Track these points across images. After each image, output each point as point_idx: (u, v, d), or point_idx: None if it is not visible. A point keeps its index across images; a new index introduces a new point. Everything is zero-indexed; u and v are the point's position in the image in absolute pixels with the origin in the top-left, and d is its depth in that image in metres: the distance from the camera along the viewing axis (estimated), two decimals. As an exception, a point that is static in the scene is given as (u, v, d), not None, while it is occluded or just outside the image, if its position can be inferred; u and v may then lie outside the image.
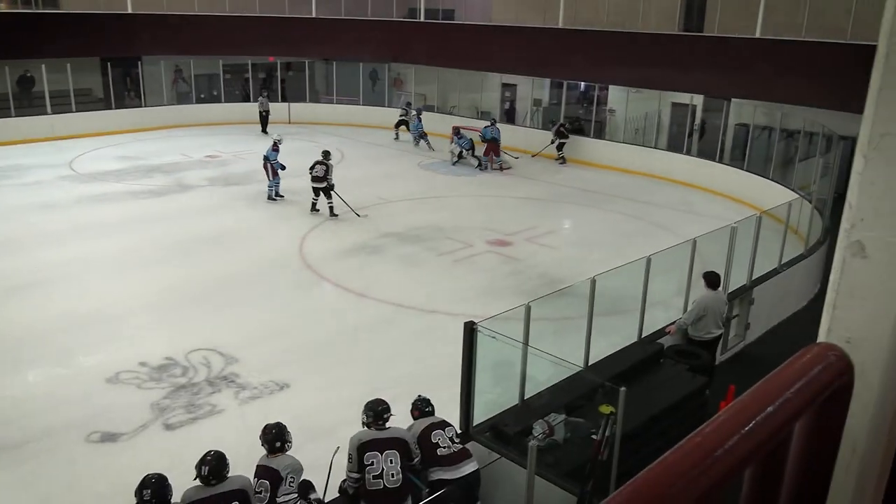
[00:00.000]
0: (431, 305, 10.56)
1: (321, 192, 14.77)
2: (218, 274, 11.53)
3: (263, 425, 5.43)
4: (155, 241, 12.94)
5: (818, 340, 1.35)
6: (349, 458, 5.47)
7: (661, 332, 8.42)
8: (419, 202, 16.20)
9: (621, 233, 14.46)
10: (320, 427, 7.35)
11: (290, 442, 5.39)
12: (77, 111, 22.16)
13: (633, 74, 19.86)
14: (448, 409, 6.85)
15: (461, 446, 5.80)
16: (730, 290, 9.25)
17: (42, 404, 7.77)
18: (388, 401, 5.80)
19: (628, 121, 21.17)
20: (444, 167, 19.66)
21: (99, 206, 15.01)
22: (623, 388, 5.72)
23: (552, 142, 20.42)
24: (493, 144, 19.45)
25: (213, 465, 4.82)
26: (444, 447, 5.71)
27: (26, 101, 22.30)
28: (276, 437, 5.31)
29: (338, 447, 5.76)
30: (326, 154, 15.19)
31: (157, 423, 7.48)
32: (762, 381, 1.10)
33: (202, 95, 25.77)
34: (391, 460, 5.42)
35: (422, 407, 6.07)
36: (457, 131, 20.11)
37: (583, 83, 23.52)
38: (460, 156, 19.82)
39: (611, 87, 22.02)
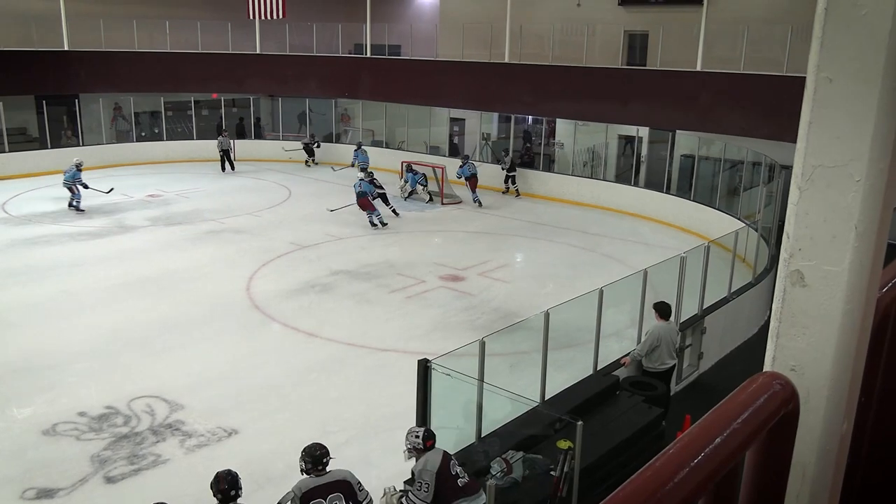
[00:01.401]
0: (384, 343, 10.50)
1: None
2: (162, 317, 11.27)
3: (215, 473, 5.29)
4: (94, 283, 12.61)
5: (764, 369, 1.39)
6: None
7: (617, 364, 8.52)
8: (370, 238, 16.17)
9: (573, 265, 14.66)
10: (271, 473, 7.20)
11: (241, 489, 5.27)
12: (10, 151, 21.60)
13: (579, 108, 20.34)
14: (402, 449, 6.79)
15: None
16: (682, 320, 9.42)
17: (-28, 461, 7.43)
18: (341, 443, 5.75)
19: (576, 153, 21.60)
20: (394, 203, 19.70)
21: (34, 250, 14.59)
22: (580, 422, 5.76)
23: (505, 176, 20.76)
24: (474, 180, 19.67)
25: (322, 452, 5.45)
26: (463, 477, 5.70)
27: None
28: (231, 486, 5.18)
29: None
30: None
31: (98, 476, 7.21)
32: (710, 412, 1.14)
33: (143, 133, 25.42)
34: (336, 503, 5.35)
35: (434, 437, 5.85)
36: (409, 167, 20.24)
37: (530, 117, 23.97)
38: (412, 193, 19.94)
39: (558, 120, 22.49)
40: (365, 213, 16.81)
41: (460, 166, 19.93)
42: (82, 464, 7.38)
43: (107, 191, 18.33)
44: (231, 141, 23.70)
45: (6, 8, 22.62)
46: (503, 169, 20.79)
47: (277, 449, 7.71)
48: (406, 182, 20.08)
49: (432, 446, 5.75)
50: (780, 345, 1.40)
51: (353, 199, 16.89)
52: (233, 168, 23.25)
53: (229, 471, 5.29)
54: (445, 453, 5.76)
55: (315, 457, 5.48)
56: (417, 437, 5.76)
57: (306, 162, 24.55)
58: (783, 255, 1.40)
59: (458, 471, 5.70)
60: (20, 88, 22.44)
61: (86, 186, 17.73)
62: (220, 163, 23.22)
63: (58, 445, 7.73)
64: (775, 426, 1.19)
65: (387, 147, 25.09)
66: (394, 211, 17.78)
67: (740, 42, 17.55)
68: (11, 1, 22.95)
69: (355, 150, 22.97)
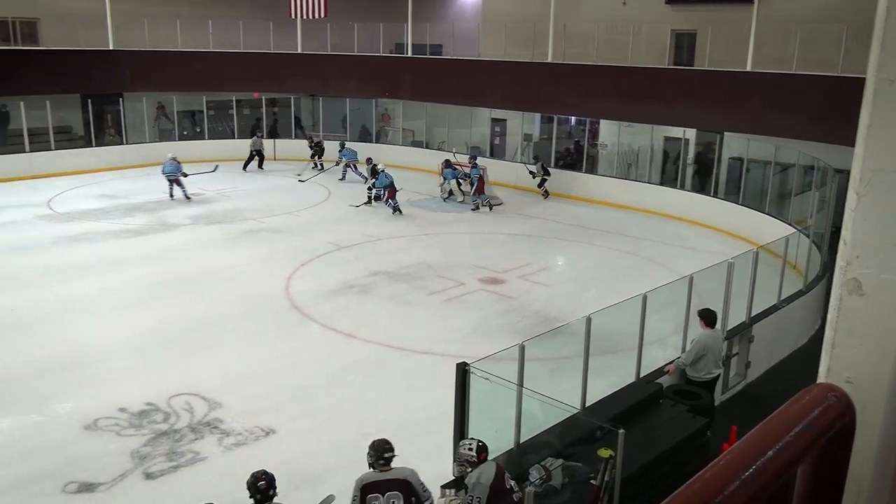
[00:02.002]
0: (422, 346, 10.53)
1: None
2: (201, 315, 11.46)
3: (251, 473, 5.37)
4: (136, 281, 12.88)
5: (818, 381, 1.37)
6: (353, 500, 5.45)
7: (660, 372, 8.42)
8: (409, 240, 16.24)
9: (615, 269, 14.53)
10: (308, 474, 7.27)
11: (276, 489, 5.34)
12: (56, 149, 22.20)
13: (624, 109, 20.15)
14: (440, 454, 6.82)
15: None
16: (729, 328, 9.28)
17: (15, 453, 7.65)
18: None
19: (620, 155, 21.41)
20: (433, 204, 19.77)
21: (77, 247, 14.96)
22: (622, 431, 5.70)
23: (533, 176, 20.54)
24: (480, 183, 19.44)
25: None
26: (517, 492, 5.65)
27: (3, 138, 22.35)
28: (268, 486, 5.26)
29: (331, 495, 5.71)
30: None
31: (137, 472, 7.37)
32: (761, 424, 1.12)
33: (185, 132, 25.91)
34: (394, 502, 5.41)
35: (487, 450, 5.78)
36: (447, 164, 20.16)
37: (573, 118, 23.82)
38: (451, 193, 19.89)
39: (602, 121, 22.31)
40: (391, 202, 18.15)
41: (472, 167, 19.43)
42: (122, 459, 7.55)
43: (211, 170, 20.15)
44: (263, 142, 24.10)
45: (53, 8, 23.28)
46: (533, 178, 20.53)
47: (314, 450, 7.79)
48: (445, 180, 20.00)
49: (485, 459, 5.66)
50: (835, 355, 1.38)
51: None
52: (260, 166, 23.70)
53: (265, 471, 5.37)
54: (499, 466, 5.67)
55: (377, 450, 5.58)
56: (471, 449, 5.66)
57: (315, 165, 23.96)
58: (839, 262, 1.37)
59: (512, 484, 5.61)
60: (66, 87, 23.07)
61: (185, 175, 19.25)
62: (244, 161, 23.56)
63: (99, 440, 7.91)
64: (830, 440, 1.17)
65: (427, 147, 25.17)
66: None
67: (792, 41, 17.21)
68: (58, 1, 23.63)
69: (340, 150, 22.63)
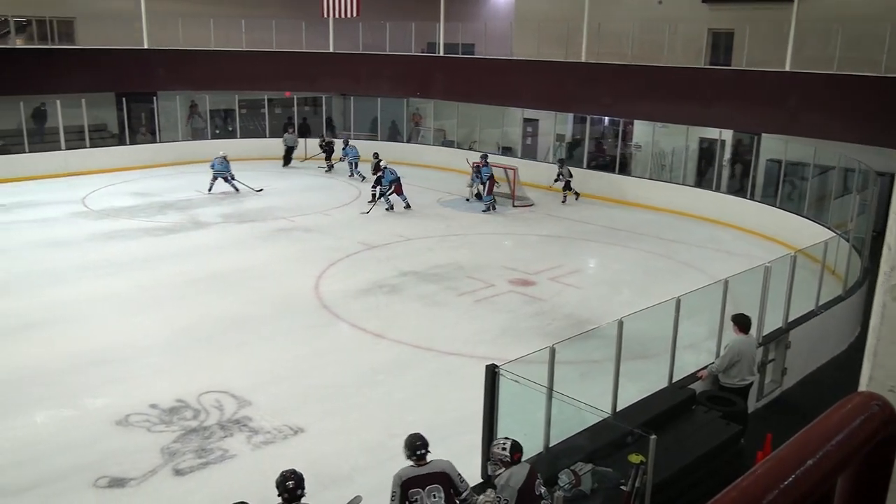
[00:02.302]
0: (451, 347, 10.54)
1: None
2: (231, 313, 11.60)
3: (280, 472, 5.41)
4: (167, 279, 13.07)
5: (860, 389, 1.34)
6: (392, 496, 5.49)
7: (693, 377, 8.33)
8: (439, 240, 16.26)
9: (648, 272, 14.40)
10: (336, 474, 7.32)
11: (304, 489, 5.38)
12: (91, 147, 22.62)
13: (659, 109, 19.96)
14: (469, 456, 6.82)
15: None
16: (765, 333, 9.15)
17: (49, 447, 7.80)
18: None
19: (654, 156, 21.22)
20: (464, 204, 19.77)
21: (111, 244, 15.23)
22: (653, 436, 5.66)
23: (558, 180, 20.31)
24: (491, 183, 19.28)
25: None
26: (547, 499, 5.61)
27: (39, 136, 22.82)
28: (297, 486, 5.31)
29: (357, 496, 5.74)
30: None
31: (167, 468, 7.48)
32: (801, 432, 1.10)
33: (217, 131, 26.24)
34: (434, 495, 5.43)
35: (522, 449, 5.72)
36: (479, 167, 19.73)
37: (607, 118, 23.67)
38: (479, 196, 19.55)
39: (636, 121, 22.13)
40: (402, 197, 18.72)
41: (484, 165, 19.26)
42: (153, 455, 7.66)
43: (257, 189, 20.19)
44: (297, 139, 24.46)
45: (89, 8, 23.75)
46: (555, 181, 20.34)
47: (343, 450, 7.84)
48: (474, 182, 19.78)
49: (519, 459, 5.60)
50: (878, 363, 1.35)
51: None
52: (286, 164, 24.14)
53: (294, 470, 5.41)
54: (532, 470, 5.61)
55: (410, 446, 5.67)
56: (504, 448, 5.60)
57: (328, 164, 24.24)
58: (883, 268, 1.35)
59: (542, 491, 5.55)
60: (102, 86, 23.48)
61: (232, 178, 19.89)
62: (282, 160, 24.22)
63: (130, 436, 8.04)
64: (872, 451, 1.14)
65: (458, 148, 25.19)
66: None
67: (833, 41, 16.91)
68: (94, 1, 24.09)
69: (344, 148, 22.95)
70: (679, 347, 8.19)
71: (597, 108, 22.02)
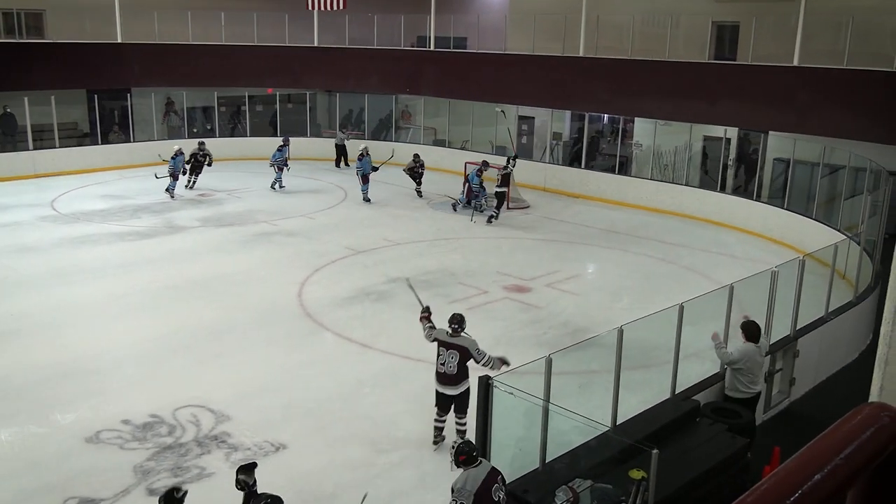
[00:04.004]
0: (442, 357, 10.50)
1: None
2: (209, 322, 11.55)
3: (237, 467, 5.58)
4: (142, 286, 13.01)
5: (870, 399, 1.34)
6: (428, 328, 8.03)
7: (697, 389, 8.34)
8: (429, 244, 16.26)
9: (650, 278, 14.43)
10: (319, 492, 7.30)
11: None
12: (61, 147, 22.53)
13: (661, 106, 20.04)
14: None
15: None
16: (772, 341, 9.17)
17: (15, 466, 7.74)
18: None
19: (656, 155, 21.29)
20: (438, 208, 19.77)
21: (81, 249, 15.15)
22: (655, 451, 5.66)
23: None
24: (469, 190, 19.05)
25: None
26: None
27: (7, 135, 22.70)
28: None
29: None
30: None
31: (140, 487, 7.42)
32: (808, 445, 1.09)
33: (195, 129, 26.18)
34: (453, 357, 7.91)
35: (469, 452, 5.85)
36: (486, 165, 19.00)
37: (606, 116, 23.74)
38: (472, 204, 18.73)
39: (637, 119, 22.21)
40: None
41: (479, 172, 18.80)
42: (125, 474, 7.61)
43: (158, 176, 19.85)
44: (345, 136, 24.81)
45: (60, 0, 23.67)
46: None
47: (326, 467, 7.81)
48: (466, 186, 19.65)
49: (466, 461, 5.75)
50: (888, 373, 1.35)
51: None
52: (347, 164, 24.44)
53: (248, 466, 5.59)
54: (492, 473, 5.71)
55: (449, 321, 8.02)
56: (452, 448, 5.87)
57: (337, 163, 24.90)
58: (894, 272, 1.35)
59: (500, 497, 5.63)
60: (72, 82, 23.40)
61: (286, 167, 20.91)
62: (334, 160, 24.77)
63: (101, 454, 7.99)
64: (883, 464, 1.14)
65: (449, 147, 25.21)
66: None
67: (844, 34, 17.02)
68: (66, -8, 24.04)
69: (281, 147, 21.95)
70: (682, 357, 8.19)
71: (595, 104, 22.09)
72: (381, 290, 13.19)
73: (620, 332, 7.27)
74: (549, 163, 22.87)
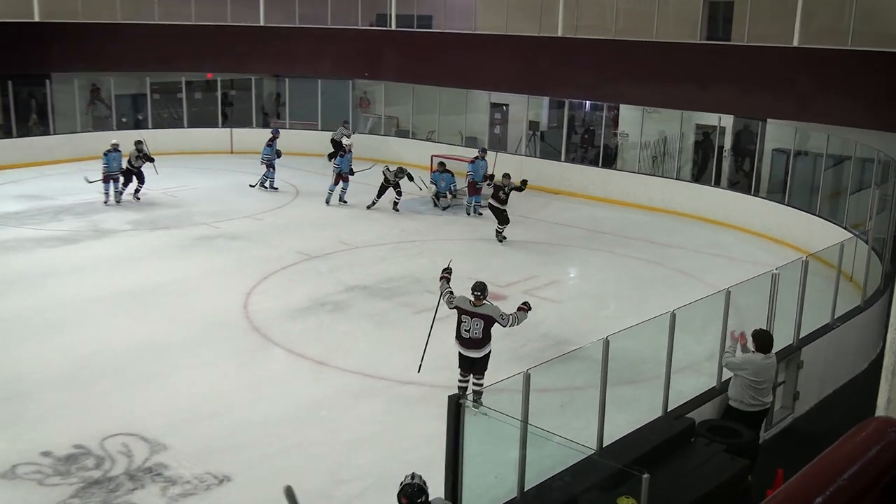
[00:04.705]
0: (408, 375, 10.49)
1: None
2: (143, 339, 11.42)
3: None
4: (65, 299, 12.83)
5: (877, 413, 1.36)
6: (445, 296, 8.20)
7: (692, 405, 8.41)
8: (392, 248, 16.23)
9: (639, 282, 14.54)
10: (270, 530, 7.23)
11: None
12: (-31, 140, 22.17)
13: (648, 92, 20.23)
14: None
15: None
16: (773, 352, 9.27)
17: (-82, 507, 7.59)
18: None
19: (644, 147, 21.47)
20: (422, 205, 19.78)
21: (-5, 258, 14.91)
22: (646, 475, 5.69)
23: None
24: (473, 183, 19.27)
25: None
26: None
27: None
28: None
29: None
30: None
31: (64, 528, 7.32)
32: (809, 465, 1.10)
33: (124, 120, 25.88)
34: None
35: (412, 496, 5.74)
36: (442, 167, 19.61)
37: (588, 102, 23.89)
38: (437, 196, 19.56)
39: (622, 106, 22.38)
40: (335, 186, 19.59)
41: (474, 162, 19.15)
42: (46, 513, 7.49)
43: (91, 181, 18.91)
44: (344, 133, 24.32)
45: (-33, -28, 23.31)
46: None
47: (278, 500, 7.74)
48: (434, 184, 19.77)
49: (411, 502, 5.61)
50: (896, 384, 1.37)
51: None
52: (332, 158, 23.99)
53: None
54: None
55: (472, 288, 9.32)
56: (400, 484, 5.75)
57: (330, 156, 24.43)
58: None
59: None
60: (-18, 67, 23.03)
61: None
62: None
63: (16, 491, 7.84)
64: (891, 482, 1.15)
65: (413, 138, 25.20)
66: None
67: (848, 12, 17.30)
68: (-26, -36, 23.66)
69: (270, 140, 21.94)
70: (674, 370, 8.26)
71: (576, 90, 22.23)
72: (338, 299, 13.15)
73: (606, 343, 7.31)
74: (526, 155, 22.95)
